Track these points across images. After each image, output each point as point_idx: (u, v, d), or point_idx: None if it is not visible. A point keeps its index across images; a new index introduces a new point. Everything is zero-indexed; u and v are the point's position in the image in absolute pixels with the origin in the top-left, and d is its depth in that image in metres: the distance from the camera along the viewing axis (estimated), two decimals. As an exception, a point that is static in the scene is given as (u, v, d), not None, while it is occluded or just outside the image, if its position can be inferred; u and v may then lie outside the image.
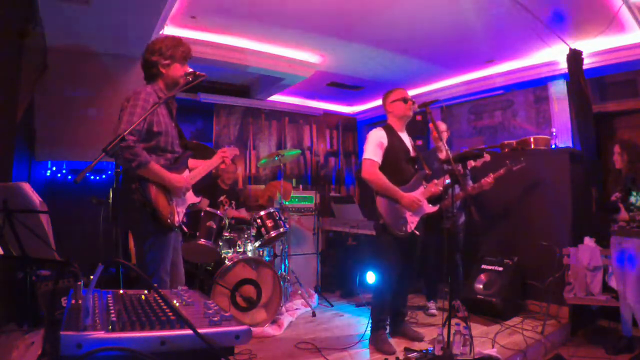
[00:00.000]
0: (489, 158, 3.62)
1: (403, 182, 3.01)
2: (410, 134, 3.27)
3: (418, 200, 2.96)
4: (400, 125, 3.15)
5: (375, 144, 2.99)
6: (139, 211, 2.09)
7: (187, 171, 2.31)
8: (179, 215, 2.19)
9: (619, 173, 3.26)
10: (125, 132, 1.76)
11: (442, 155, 3.87)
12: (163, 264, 2.15)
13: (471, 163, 3.49)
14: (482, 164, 3.58)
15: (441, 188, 3.08)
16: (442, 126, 3.99)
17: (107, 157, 1.77)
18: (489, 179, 3.65)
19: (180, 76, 2.22)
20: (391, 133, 3.06)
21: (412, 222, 2.99)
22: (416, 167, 3.15)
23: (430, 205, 3.08)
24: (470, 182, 3.87)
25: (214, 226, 3.32)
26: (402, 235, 2.96)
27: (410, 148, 3.12)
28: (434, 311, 3.91)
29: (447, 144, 3.91)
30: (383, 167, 2.99)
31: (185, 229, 2.25)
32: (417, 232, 2.98)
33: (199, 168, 2.41)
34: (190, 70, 2.26)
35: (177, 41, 2.23)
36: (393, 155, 3.01)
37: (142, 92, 2.10)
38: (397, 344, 3.05)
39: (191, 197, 2.33)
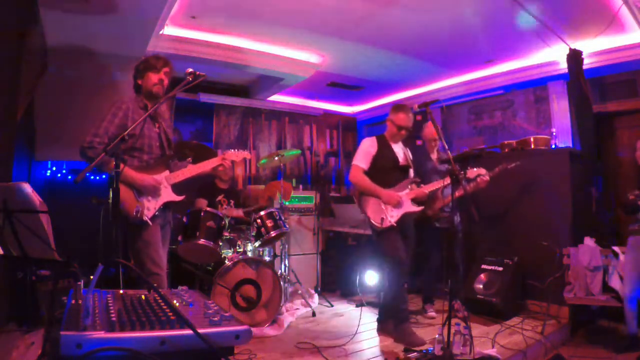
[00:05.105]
0: (487, 178, 3.67)
1: (388, 186, 3.23)
2: (410, 135, 3.35)
3: (398, 195, 3.15)
4: (395, 138, 3.38)
5: (363, 151, 3.32)
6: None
7: (166, 172, 2.44)
8: (149, 210, 2.31)
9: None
10: (125, 133, 1.87)
11: (434, 155, 3.96)
12: (148, 257, 2.29)
13: (471, 186, 3.66)
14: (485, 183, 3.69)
15: (427, 192, 3.26)
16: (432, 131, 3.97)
17: (107, 157, 1.83)
18: (485, 177, 3.66)
19: (154, 84, 2.39)
20: (383, 143, 3.34)
21: (392, 216, 3.15)
22: (405, 174, 3.35)
23: (414, 205, 3.23)
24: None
25: (214, 226, 3.32)
26: (382, 228, 3.14)
27: (401, 158, 3.35)
28: (432, 313, 3.90)
29: (442, 147, 3.91)
30: (371, 172, 3.28)
31: (150, 222, 2.31)
32: (395, 224, 3.12)
33: (188, 168, 2.51)
34: (191, 70, 2.30)
35: (155, 55, 2.48)
36: (381, 162, 3.29)
37: (117, 101, 2.32)
38: (382, 340, 3.19)
39: (168, 195, 2.42)
